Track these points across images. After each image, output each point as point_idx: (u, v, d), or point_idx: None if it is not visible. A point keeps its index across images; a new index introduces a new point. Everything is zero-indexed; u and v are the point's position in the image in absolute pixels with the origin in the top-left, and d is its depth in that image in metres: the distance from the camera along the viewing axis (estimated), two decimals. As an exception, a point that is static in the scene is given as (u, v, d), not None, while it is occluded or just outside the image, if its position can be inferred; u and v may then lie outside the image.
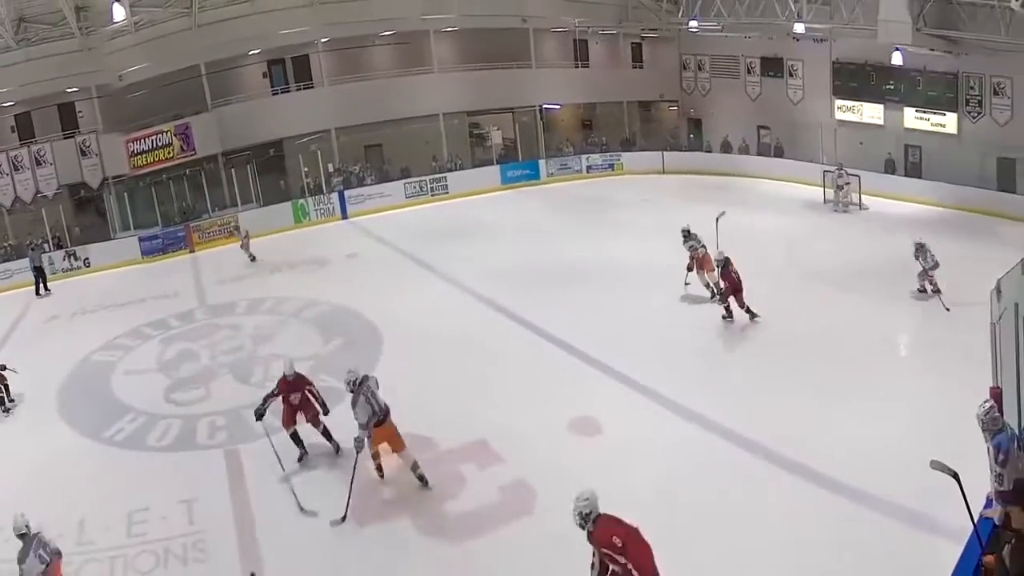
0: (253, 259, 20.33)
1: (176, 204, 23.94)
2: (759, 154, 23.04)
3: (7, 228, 23.46)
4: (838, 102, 21.28)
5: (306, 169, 23.55)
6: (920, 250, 13.94)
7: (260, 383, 13.42)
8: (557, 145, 25.76)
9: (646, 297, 14.79)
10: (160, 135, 23.04)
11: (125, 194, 23.34)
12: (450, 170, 23.95)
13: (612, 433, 10.37)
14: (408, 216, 22.81)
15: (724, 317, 13.28)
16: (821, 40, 20.76)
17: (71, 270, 21.96)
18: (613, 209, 21.24)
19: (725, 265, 13.20)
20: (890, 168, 20.12)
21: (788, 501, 8.46)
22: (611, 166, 24.68)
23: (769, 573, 7.41)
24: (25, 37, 22.09)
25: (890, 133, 20.23)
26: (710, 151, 23.90)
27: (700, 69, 24.69)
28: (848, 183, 19.07)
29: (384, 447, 9.66)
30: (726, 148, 24.15)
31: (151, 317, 17.73)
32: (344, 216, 23.35)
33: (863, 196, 18.94)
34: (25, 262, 21.36)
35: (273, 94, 24.52)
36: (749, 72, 23.31)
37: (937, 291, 13.27)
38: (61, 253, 22.30)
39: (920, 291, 13.88)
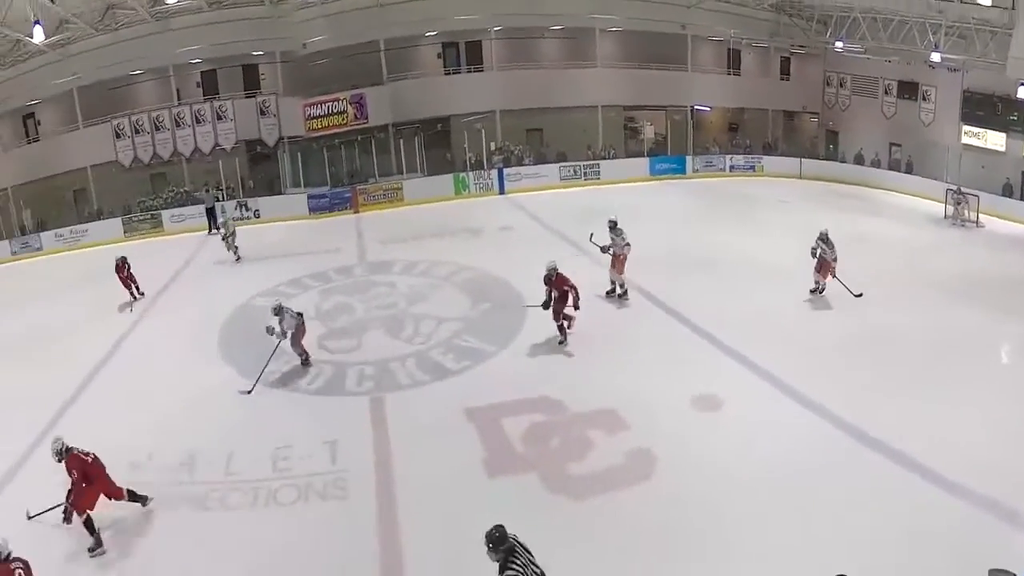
0: (238, 259, 20.04)
1: (345, 167, 25.45)
2: (889, 168, 24.31)
3: (184, 175, 25.99)
4: (965, 127, 22.39)
5: (468, 145, 24.81)
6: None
7: (409, 338, 14.08)
8: (704, 144, 27.16)
9: (776, 290, 14.83)
10: (336, 102, 24.65)
11: (298, 154, 25.26)
12: (603, 158, 25.34)
13: (732, 412, 10.58)
14: (560, 197, 23.88)
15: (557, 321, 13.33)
16: (955, 70, 21.99)
17: (242, 219, 23.67)
18: (752, 207, 21.95)
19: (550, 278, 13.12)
20: (1008, 192, 21.34)
21: (903, 495, 8.34)
22: (752, 167, 25.86)
23: (880, 560, 7.32)
24: (217, 0, 24.00)
25: (1010, 160, 21.40)
26: (844, 162, 25.14)
27: (842, 86, 26.16)
28: (967, 202, 20.17)
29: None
30: (859, 160, 25.48)
31: (312, 269, 18.85)
32: (501, 192, 24.56)
33: (981, 215, 19.90)
34: (197, 208, 23.66)
35: (445, 74, 26.13)
36: (886, 93, 24.63)
37: (818, 286, 14.05)
38: (233, 203, 24.29)
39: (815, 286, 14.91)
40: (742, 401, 10.94)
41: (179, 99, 25.96)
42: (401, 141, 25.30)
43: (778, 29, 26.42)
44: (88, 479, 8.91)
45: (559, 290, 12.76)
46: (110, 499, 9.16)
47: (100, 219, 25.85)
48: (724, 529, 8.34)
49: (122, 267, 17.82)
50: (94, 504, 8.94)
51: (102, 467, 9.14)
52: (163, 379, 13.38)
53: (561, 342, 13.15)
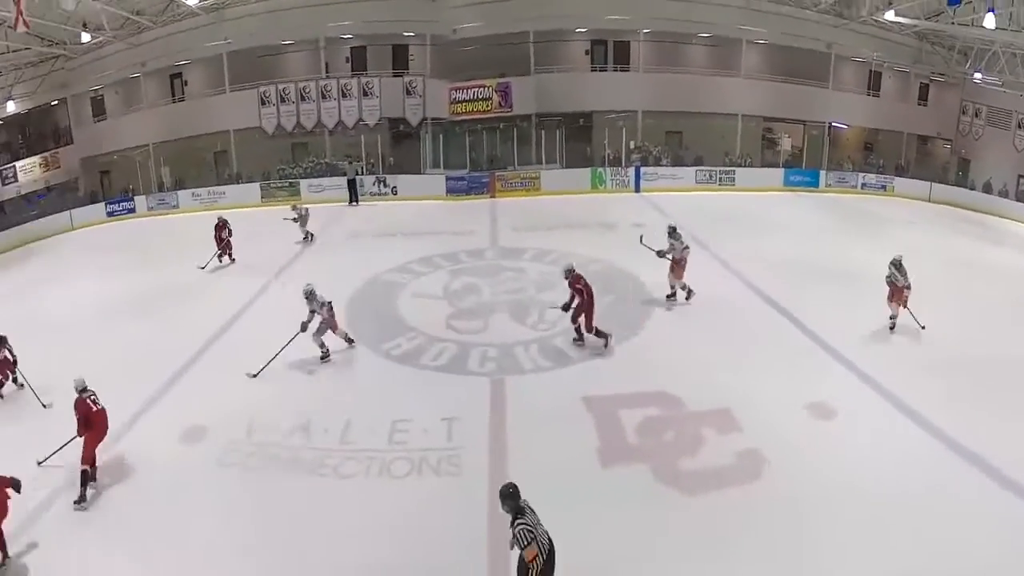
0: (307, 237, 20.73)
1: (485, 152, 26.18)
2: (1017, 200, 24.72)
3: (326, 147, 27.17)
4: (1094, 168, 25.01)
5: (608, 142, 25.46)
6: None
7: (534, 324, 14.35)
8: (838, 160, 27.86)
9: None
10: (482, 89, 25.27)
11: (440, 136, 26.01)
12: (739, 165, 25.93)
13: (844, 422, 10.65)
14: (694, 199, 24.19)
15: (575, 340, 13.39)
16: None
17: (379, 195, 25.11)
18: (881, 224, 22.08)
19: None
20: None
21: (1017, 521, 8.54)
22: (883, 187, 26.40)
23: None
24: None
25: None
26: (973, 189, 25.73)
27: (976, 116, 26.74)
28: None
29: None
30: (988, 189, 26.09)
31: (444, 249, 19.35)
32: (637, 189, 24.95)
33: (1100, 252, 22.37)
34: (336, 180, 24.82)
35: (591, 70, 26.64)
36: (1019, 127, 25.21)
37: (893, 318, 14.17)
38: (372, 178, 25.46)
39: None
40: (855, 412, 10.91)
41: (327, 72, 26.97)
42: (543, 132, 25.92)
43: (920, 56, 26.98)
44: (88, 425, 9.36)
45: (574, 289, 12.93)
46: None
47: (238, 183, 27.08)
48: (830, 535, 8.33)
49: (222, 228, 18.64)
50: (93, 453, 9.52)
51: (104, 423, 9.60)
52: (282, 340, 13.62)
53: (576, 340, 13.17)
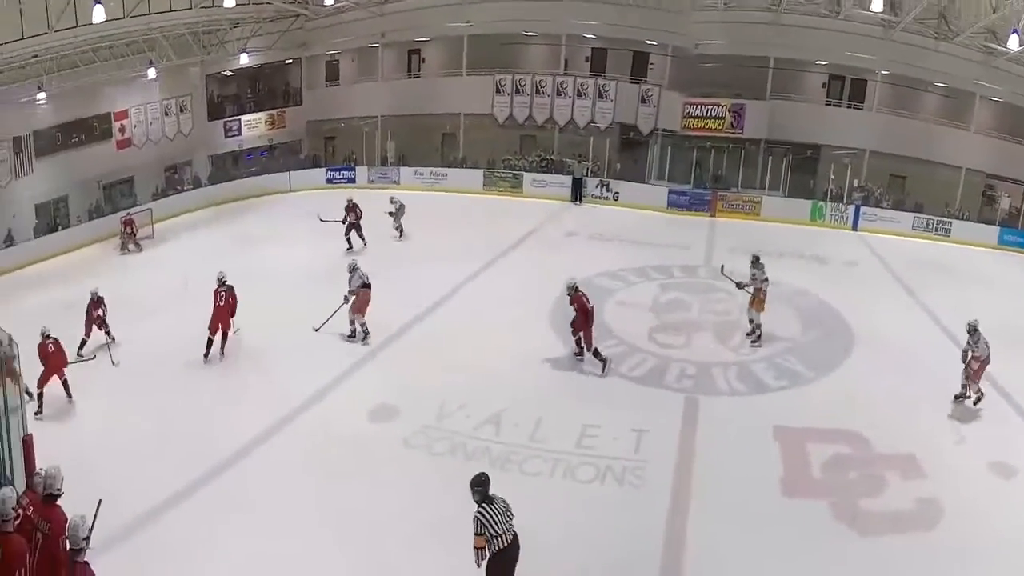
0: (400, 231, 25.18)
1: (710, 170, 30.51)
2: None
3: (554, 143, 32.24)
4: None
5: (833, 177, 29.39)
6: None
7: (736, 348, 17.02)
8: None
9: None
10: (716, 107, 29.97)
11: (668, 148, 30.64)
12: (956, 218, 29.25)
13: None
14: (909, 245, 27.50)
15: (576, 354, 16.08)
16: None
17: (600, 198, 30.11)
18: None
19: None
20: None
21: None
22: None
23: None
24: None
25: None
26: None
27: None
28: None
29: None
30: None
31: (658, 261, 22.87)
32: (854, 228, 28.88)
33: None
34: (559, 178, 30.50)
35: (826, 104, 30.74)
36: None
37: (966, 392, 14.83)
38: (596, 181, 30.29)
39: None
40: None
41: (565, 69, 32.05)
42: (770, 158, 29.90)
43: None
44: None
45: (580, 310, 15.72)
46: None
47: (463, 167, 32.32)
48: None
49: (353, 209, 23.50)
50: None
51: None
52: (489, 333, 16.95)
53: (577, 354, 16.00)
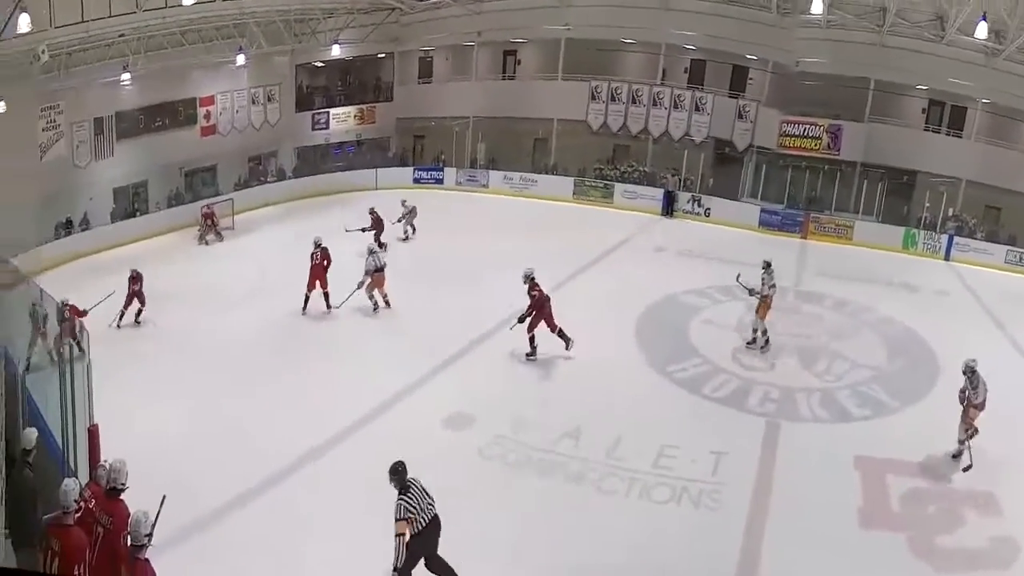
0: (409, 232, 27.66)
1: (804, 191, 32.42)
2: None
3: (648, 155, 34.37)
4: None
5: (928, 205, 31.04)
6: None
7: (820, 374, 18.22)
8: None
9: None
10: (813, 127, 31.89)
11: (763, 165, 32.64)
12: None
13: None
14: (1000, 278, 29.16)
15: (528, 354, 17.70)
16: None
17: (691, 213, 32.21)
18: None
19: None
20: None
21: None
22: None
23: None
24: None
25: None
26: None
27: None
28: None
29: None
30: None
31: (746, 282, 23.02)
32: (947, 257, 30.79)
33: None
34: (651, 190, 33.01)
35: (924, 130, 32.49)
36: None
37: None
38: (687, 196, 32.37)
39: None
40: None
41: (663, 79, 34.14)
42: (865, 182, 31.76)
43: None
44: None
45: (537, 303, 17.34)
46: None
47: (553, 174, 34.63)
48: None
49: (371, 219, 25.92)
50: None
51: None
52: (572, 342, 18.04)
53: (530, 355, 17.78)
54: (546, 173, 35.82)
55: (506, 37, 36.78)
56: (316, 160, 36.98)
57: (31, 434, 10.22)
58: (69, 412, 11.21)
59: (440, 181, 36.48)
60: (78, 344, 12.34)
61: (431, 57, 38.53)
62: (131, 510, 8.79)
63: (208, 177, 33.85)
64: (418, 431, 14.86)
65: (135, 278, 20.34)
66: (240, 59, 32.61)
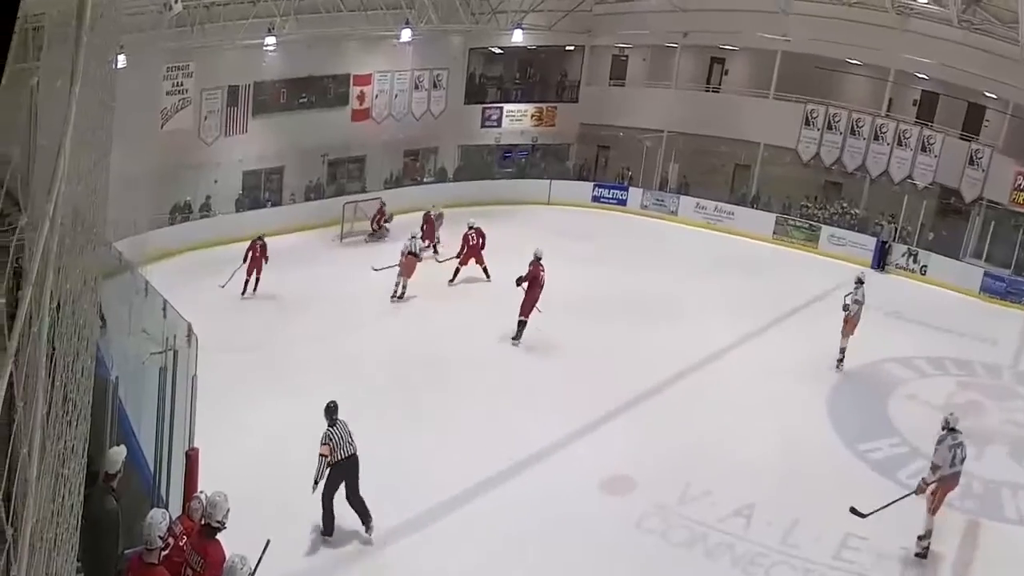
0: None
1: None
2: None
3: (863, 196, 37.01)
4: None
5: None
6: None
7: None
8: None
9: None
10: None
11: (992, 222, 34.31)
12: None
13: None
14: None
15: None
16: None
17: (905, 269, 34.58)
18: None
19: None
20: None
21: None
22: None
23: None
24: (968, 21, 34.05)
25: None
26: None
27: None
28: None
29: None
30: None
31: (959, 353, 26.56)
32: None
33: None
34: (862, 237, 36.29)
35: None
36: None
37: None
38: (903, 248, 34.57)
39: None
40: None
41: (888, 110, 36.46)
42: None
43: None
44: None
45: (532, 278, 20.52)
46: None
47: (752, 207, 37.28)
48: None
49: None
50: None
51: None
52: (753, 408, 21.02)
53: (515, 339, 20.94)
54: (744, 205, 39.24)
55: (714, 42, 40.53)
56: (482, 163, 41.05)
57: (117, 455, 10.60)
58: (166, 430, 12.12)
59: (623, 202, 40.66)
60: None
61: (626, 56, 42.38)
62: (228, 553, 9.49)
63: (355, 169, 37.74)
64: (571, 489, 17.30)
65: (260, 247, 23.85)
66: (405, 34, 35.76)
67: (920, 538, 17.01)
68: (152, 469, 12.45)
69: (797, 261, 36.82)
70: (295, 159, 35.58)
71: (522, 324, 24.22)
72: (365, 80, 37.59)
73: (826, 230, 39.40)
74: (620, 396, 22.01)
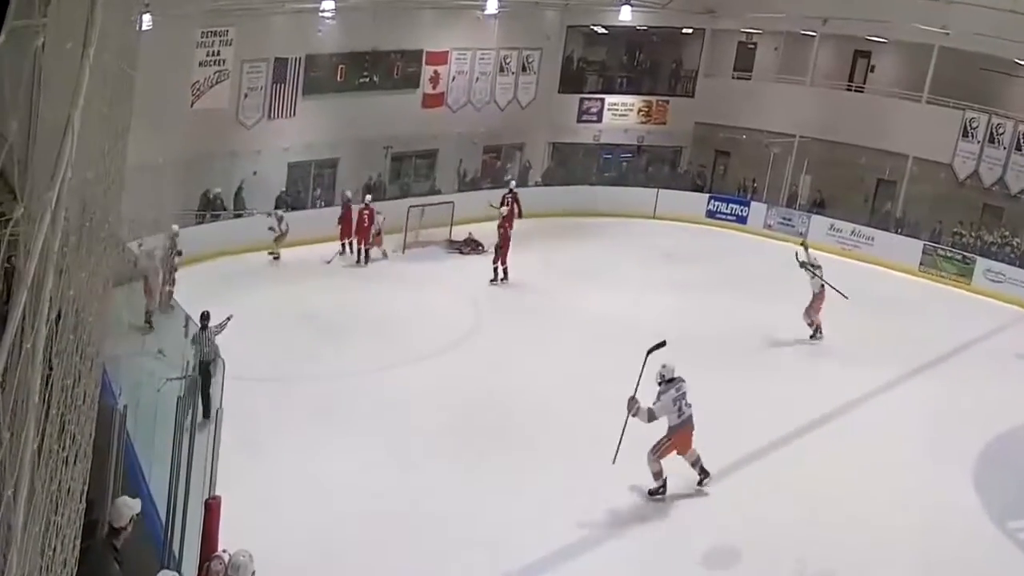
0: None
1: None
2: None
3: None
4: None
5: None
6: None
7: None
8: None
9: None
10: None
11: None
12: None
13: None
14: None
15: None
16: None
17: None
18: None
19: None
20: None
21: None
22: None
23: None
24: None
25: None
26: None
27: None
28: None
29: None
30: None
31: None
32: None
33: None
34: (1022, 273, 34.19)
35: None
36: None
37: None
38: None
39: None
40: None
41: None
42: None
43: None
44: None
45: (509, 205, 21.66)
46: None
47: (897, 232, 37.58)
48: None
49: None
50: None
51: None
52: (892, 472, 21.70)
53: (493, 280, 23.10)
54: (887, 230, 39.31)
55: (860, 32, 40.69)
56: (576, 164, 41.76)
57: (127, 507, 10.40)
58: (182, 473, 12.29)
59: (742, 219, 41.06)
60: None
61: (754, 43, 42.91)
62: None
63: (424, 167, 38.60)
64: (668, 564, 18.73)
65: (368, 215, 25.46)
66: (491, 5, 36.57)
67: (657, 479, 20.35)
68: (164, 520, 12.44)
69: (946, 299, 36.82)
70: (352, 150, 36.14)
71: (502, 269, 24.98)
72: (440, 58, 37.86)
73: (982, 263, 38.76)
74: (727, 452, 22.26)
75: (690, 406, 20.12)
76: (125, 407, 12.95)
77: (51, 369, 5.07)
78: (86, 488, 6.56)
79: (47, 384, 4.89)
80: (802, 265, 27.71)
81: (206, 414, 16.60)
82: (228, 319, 18.62)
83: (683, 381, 20.35)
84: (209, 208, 32.11)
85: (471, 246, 34.46)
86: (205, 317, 19.08)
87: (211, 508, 12.22)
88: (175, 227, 24.42)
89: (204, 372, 17.49)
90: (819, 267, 28.18)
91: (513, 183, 31.00)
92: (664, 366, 20.17)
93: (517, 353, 26.74)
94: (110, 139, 6.65)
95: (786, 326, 30.43)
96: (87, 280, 6.54)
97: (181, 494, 12.12)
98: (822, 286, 28.01)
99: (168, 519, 12.08)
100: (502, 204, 30.68)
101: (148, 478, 13.28)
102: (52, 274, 4.48)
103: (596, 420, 21.80)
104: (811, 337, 28.26)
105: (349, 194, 29.08)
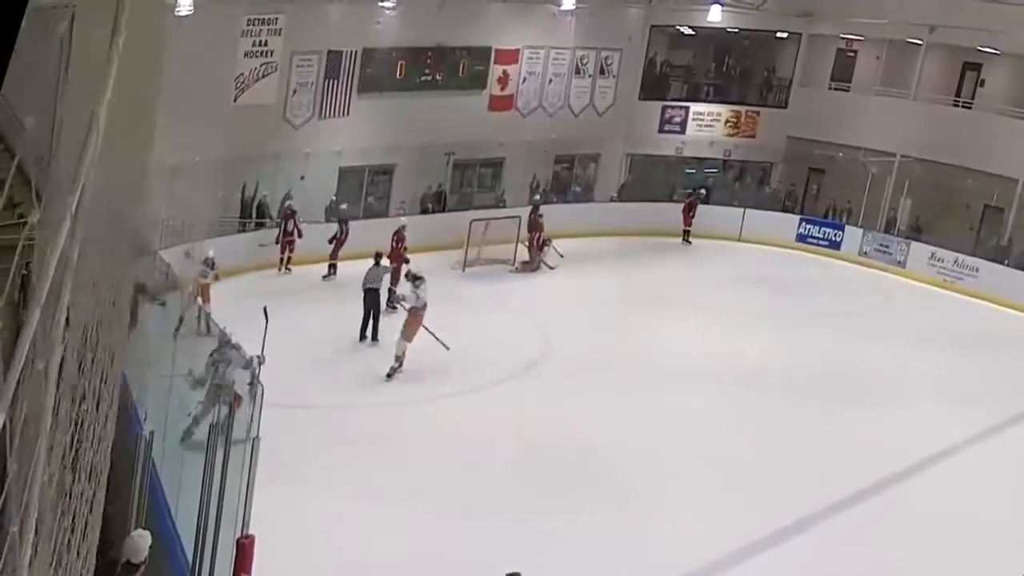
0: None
1: None
2: None
3: None
4: None
5: None
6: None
7: None
8: None
9: None
10: None
11: None
12: None
13: None
14: None
15: None
16: None
17: None
18: None
19: None
20: None
21: None
22: None
23: None
24: None
25: None
26: None
27: None
28: None
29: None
30: None
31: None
32: None
33: None
34: None
35: None
36: None
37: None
38: None
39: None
40: None
41: None
42: None
43: None
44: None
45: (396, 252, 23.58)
46: None
47: (1004, 263, 37.05)
48: None
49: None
50: None
51: None
52: (979, 529, 21.57)
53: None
54: (995, 261, 38.51)
55: (970, 42, 40.56)
56: (657, 178, 41.87)
57: (142, 541, 10.80)
58: (212, 508, 12.46)
59: (836, 245, 40.84)
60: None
61: (854, 51, 42.83)
62: None
63: (489, 176, 38.81)
64: None
65: (396, 239, 25.02)
66: (568, 1, 36.39)
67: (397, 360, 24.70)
68: (190, 559, 12.45)
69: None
70: (410, 156, 35.95)
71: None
72: (511, 57, 37.52)
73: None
74: (807, 502, 22.32)
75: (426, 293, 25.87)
76: (151, 433, 13.15)
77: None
78: (102, 524, 6.50)
79: (59, 408, 4.66)
80: None
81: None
82: (261, 362, 17.70)
83: (424, 280, 27.03)
84: (254, 215, 32.56)
85: (543, 246, 34.40)
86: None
87: (244, 548, 12.36)
88: (211, 252, 24.24)
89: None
90: None
91: (538, 198, 31.74)
92: (409, 271, 28.12)
93: (585, 392, 26.94)
94: (140, 137, 6.49)
95: (874, 363, 31.05)
96: (110, 292, 6.36)
97: (211, 531, 12.12)
98: None
99: (195, 558, 12.07)
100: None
101: (174, 513, 13.19)
102: (68, 288, 4.28)
103: (671, 460, 23.29)
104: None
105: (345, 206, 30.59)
